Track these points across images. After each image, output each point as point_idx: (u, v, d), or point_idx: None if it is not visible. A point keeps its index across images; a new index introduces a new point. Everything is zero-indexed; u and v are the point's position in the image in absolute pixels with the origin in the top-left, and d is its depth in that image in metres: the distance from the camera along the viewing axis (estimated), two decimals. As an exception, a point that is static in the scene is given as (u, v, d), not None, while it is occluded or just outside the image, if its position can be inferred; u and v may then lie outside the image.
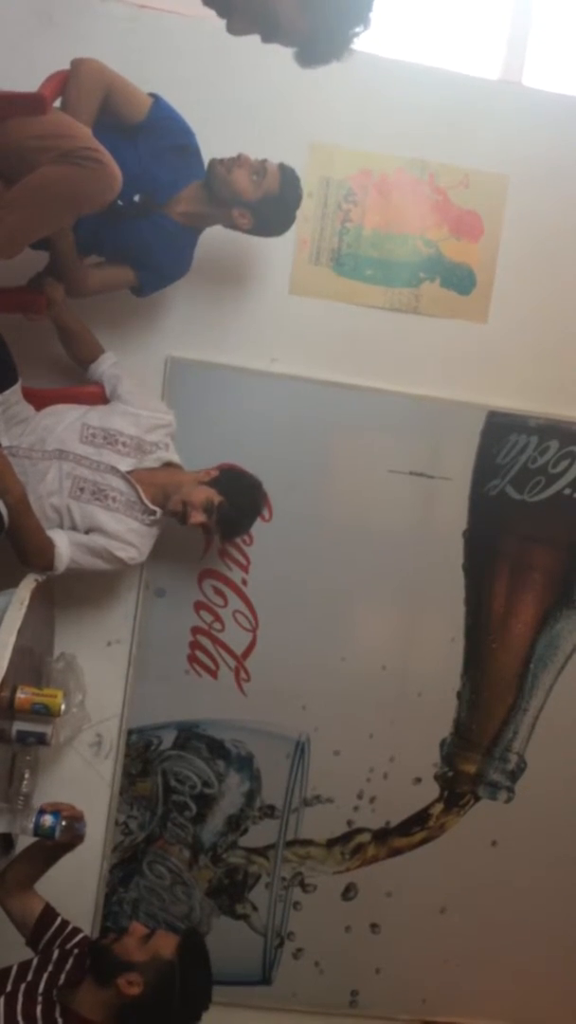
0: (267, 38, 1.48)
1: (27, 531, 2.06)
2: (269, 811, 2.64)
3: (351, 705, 2.66)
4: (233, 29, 1.48)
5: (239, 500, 2.27)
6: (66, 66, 2.03)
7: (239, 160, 2.16)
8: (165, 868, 2.61)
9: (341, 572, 2.64)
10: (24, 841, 2.02)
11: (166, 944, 1.88)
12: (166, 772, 2.60)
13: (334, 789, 2.67)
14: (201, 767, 2.61)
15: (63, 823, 1.84)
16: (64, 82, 2.02)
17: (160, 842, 2.61)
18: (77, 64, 2.03)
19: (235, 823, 2.63)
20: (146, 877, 2.61)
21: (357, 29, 1.47)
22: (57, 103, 2.01)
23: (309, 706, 2.64)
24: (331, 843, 2.68)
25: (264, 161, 2.20)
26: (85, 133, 1.88)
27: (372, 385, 2.62)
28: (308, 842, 2.67)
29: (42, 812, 1.83)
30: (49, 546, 2.10)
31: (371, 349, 2.65)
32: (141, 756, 2.59)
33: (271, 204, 2.23)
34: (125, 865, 2.60)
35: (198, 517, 2.22)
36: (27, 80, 1.97)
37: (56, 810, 1.85)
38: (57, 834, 1.83)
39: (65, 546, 2.13)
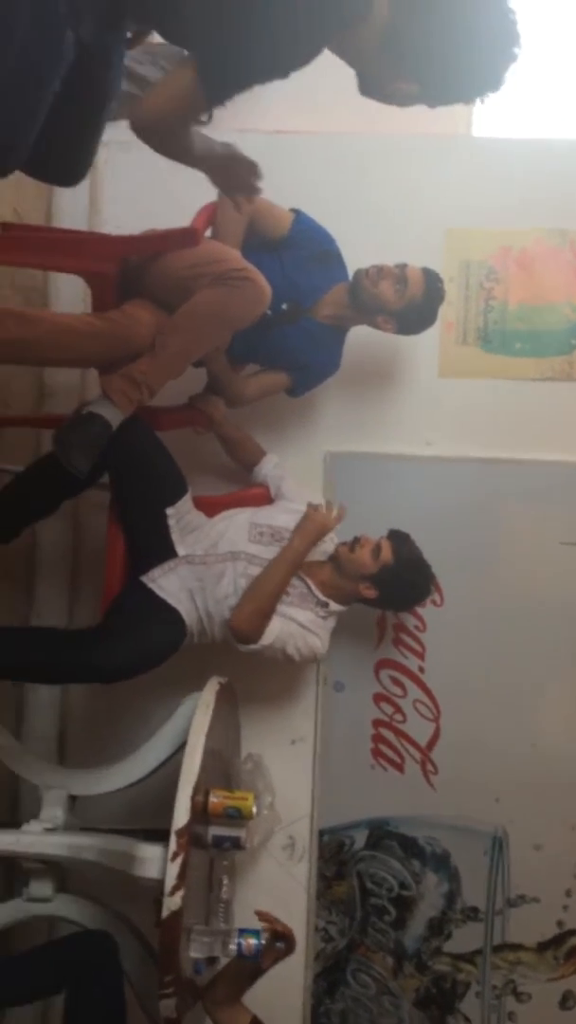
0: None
1: (278, 588, 2.14)
2: (472, 913, 2.51)
3: (547, 794, 2.51)
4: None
5: (409, 556, 2.26)
6: (214, 198, 2.18)
7: (383, 272, 2.23)
8: (370, 977, 2.51)
9: (521, 652, 2.55)
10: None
11: None
12: (361, 874, 2.53)
13: (539, 887, 2.50)
14: (397, 868, 2.52)
15: (264, 943, 1.80)
16: (212, 213, 2.17)
17: (362, 949, 2.52)
18: (223, 195, 2.18)
19: (437, 927, 2.51)
20: (351, 987, 2.51)
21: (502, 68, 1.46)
22: (208, 233, 2.16)
23: (503, 798, 2.52)
24: (542, 947, 2.50)
25: (405, 268, 2.25)
26: (235, 256, 2.01)
27: (532, 457, 2.57)
28: (517, 946, 2.50)
29: (243, 932, 1.80)
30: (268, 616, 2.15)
31: (528, 421, 2.61)
32: (335, 858, 2.53)
33: (415, 309, 2.28)
34: (329, 974, 2.52)
35: (369, 592, 2.22)
36: (180, 215, 2.13)
37: (261, 924, 1.82)
38: (260, 958, 1.80)
39: (277, 622, 2.16)
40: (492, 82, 1.45)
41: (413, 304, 2.27)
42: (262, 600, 2.12)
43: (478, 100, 1.48)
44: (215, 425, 2.34)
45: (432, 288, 2.29)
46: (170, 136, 1.52)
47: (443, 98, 1.50)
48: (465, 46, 1.41)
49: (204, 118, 2.84)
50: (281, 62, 1.41)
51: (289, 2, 1.35)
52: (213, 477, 2.52)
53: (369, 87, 1.53)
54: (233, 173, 1.65)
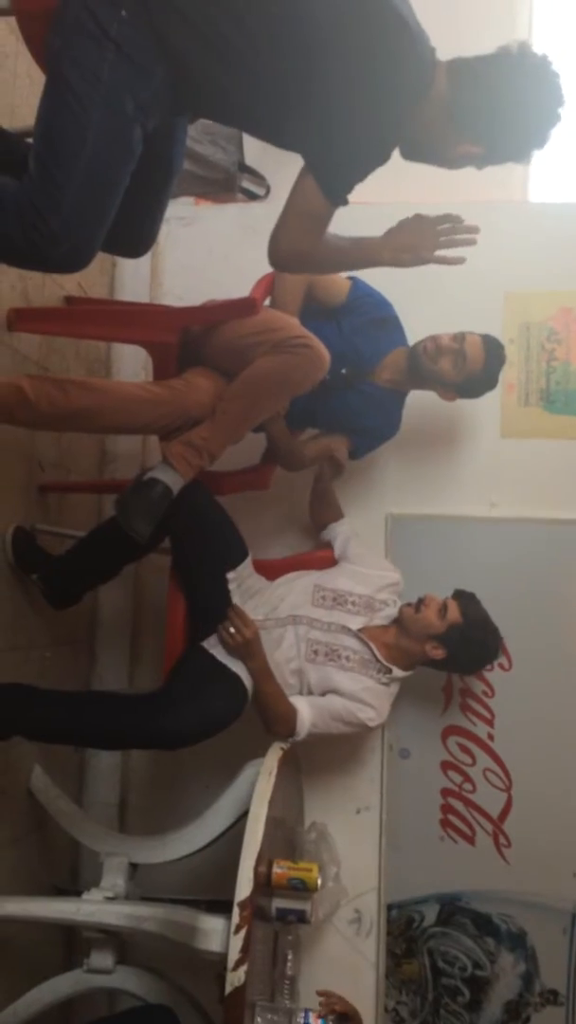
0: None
1: (271, 697, 2.11)
2: (552, 997, 2.37)
3: (629, 869, 2.39)
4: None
5: (477, 615, 2.23)
6: (272, 269, 2.24)
7: (441, 349, 2.24)
8: (444, 1063, 2.39)
9: (596, 719, 2.46)
10: None
11: None
12: (432, 952, 2.43)
13: (623, 969, 2.37)
14: (470, 946, 2.42)
15: None
16: (271, 283, 2.22)
17: (434, 1032, 2.41)
18: None
19: (515, 1011, 2.38)
20: (424, 1073, 2.40)
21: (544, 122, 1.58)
22: (267, 302, 2.21)
23: (581, 872, 2.40)
24: (628, 1035, 2.35)
25: (464, 341, 2.25)
26: (293, 323, 2.04)
27: (598, 518, 2.52)
28: (601, 1034, 2.36)
29: (308, 1013, 1.74)
30: (292, 712, 2.12)
31: (594, 481, 2.57)
32: (404, 934, 2.44)
33: (475, 380, 2.30)
34: (400, 1058, 2.41)
35: (437, 652, 2.19)
36: (239, 285, 2.19)
37: (329, 1006, 1.76)
38: None
39: (307, 711, 2.14)
40: (540, 141, 1.58)
41: (473, 376, 2.29)
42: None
43: (527, 158, 1.62)
44: (342, 469, 2.38)
45: (492, 357, 2.30)
46: (315, 259, 1.68)
47: (500, 157, 1.61)
48: (518, 110, 1.55)
49: (262, 192, 2.94)
50: (386, 146, 1.56)
51: (374, 92, 1.48)
52: (274, 541, 2.53)
53: (424, 154, 1.63)
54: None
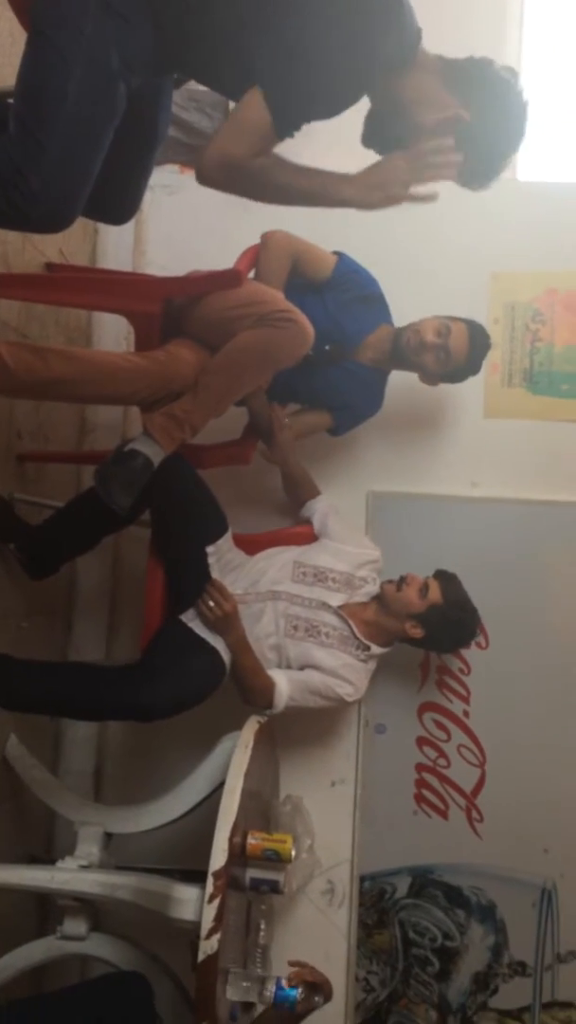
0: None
1: (249, 670, 2.12)
2: (520, 968, 2.42)
3: (599, 846, 2.43)
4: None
5: (457, 596, 2.25)
6: (257, 240, 2.22)
7: (425, 345, 2.25)
8: (412, 1031, 2.43)
9: (569, 695, 2.49)
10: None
11: None
12: (403, 923, 2.46)
13: (591, 943, 2.41)
14: (440, 917, 2.45)
15: (301, 995, 1.77)
16: (256, 255, 2.20)
17: (404, 1001, 2.44)
18: (267, 237, 2.21)
19: (483, 981, 2.42)
20: (392, 1041, 2.44)
21: (511, 150, 1.59)
22: (251, 274, 2.19)
23: (552, 848, 2.44)
24: (594, 1006, 2.40)
25: (448, 335, 2.25)
26: (277, 297, 2.03)
27: (578, 499, 2.53)
28: (567, 1004, 2.41)
29: (280, 980, 1.77)
30: (270, 685, 2.13)
31: (574, 462, 2.58)
32: (376, 905, 2.47)
33: (459, 369, 2.31)
34: (369, 1026, 2.45)
35: (416, 631, 2.21)
36: (224, 256, 2.17)
37: (299, 976, 1.78)
38: (297, 1006, 1.76)
39: (284, 684, 2.15)
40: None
41: (456, 367, 2.30)
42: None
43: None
44: (281, 458, 2.35)
45: (477, 348, 2.31)
46: (246, 172, 1.53)
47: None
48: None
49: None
50: (347, 94, 1.49)
51: (352, 39, 1.42)
52: (254, 515, 2.52)
53: (392, 125, 1.58)
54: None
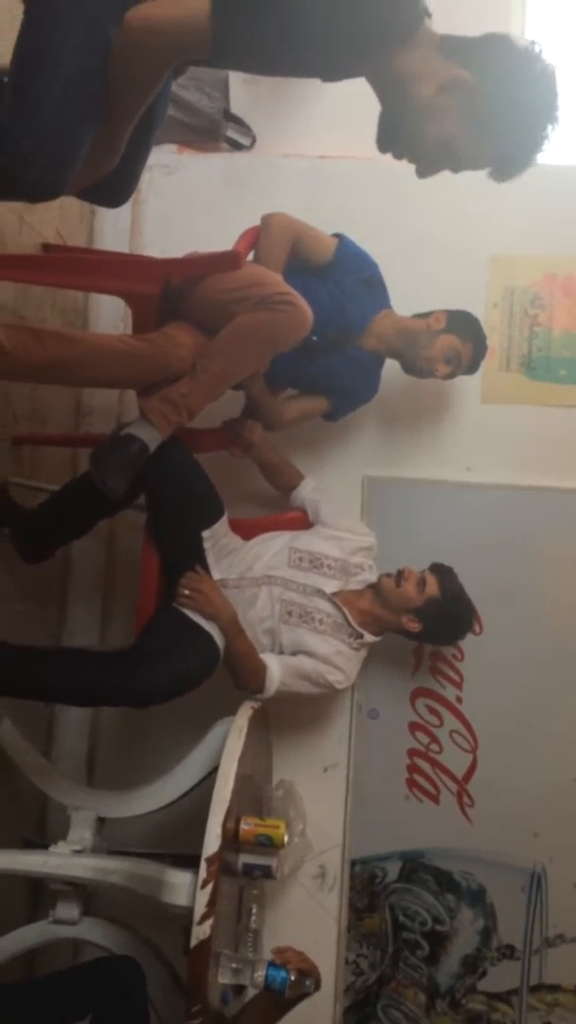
0: (456, 171, 1.54)
1: (241, 654, 2.12)
2: (508, 952, 2.44)
3: (588, 832, 2.44)
4: (421, 173, 1.53)
5: (454, 590, 2.25)
6: (257, 222, 2.19)
7: (435, 375, 2.30)
8: (401, 1013, 2.45)
9: (562, 682, 2.49)
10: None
11: None
12: (394, 907, 2.48)
13: (579, 927, 2.43)
14: (430, 902, 2.47)
15: (292, 979, 1.77)
16: (255, 237, 2.18)
17: (393, 984, 2.46)
18: (266, 219, 2.18)
19: (472, 965, 2.44)
20: (382, 1023, 2.45)
21: (544, 134, 1.49)
22: (250, 256, 2.16)
23: (541, 833, 2.45)
24: (581, 989, 2.42)
25: (458, 362, 2.30)
26: (277, 280, 2.00)
27: (575, 485, 2.52)
28: (555, 987, 2.43)
29: (272, 965, 1.77)
30: (262, 668, 2.13)
31: (571, 448, 2.57)
32: (366, 889, 2.49)
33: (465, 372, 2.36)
34: (359, 1008, 2.46)
35: (413, 625, 2.22)
36: (222, 238, 2.14)
37: (286, 963, 1.78)
38: (286, 991, 1.76)
39: (277, 669, 2.15)
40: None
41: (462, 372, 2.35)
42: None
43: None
44: (252, 449, 2.33)
45: (476, 355, 2.33)
46: (151, 56, 1.43)
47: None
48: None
49: (247, 142, 2.85)
50: (322, 59, 1.40)
51: (338, 8, 1.34)
52: (250, 500, 2.51)
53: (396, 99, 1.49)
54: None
